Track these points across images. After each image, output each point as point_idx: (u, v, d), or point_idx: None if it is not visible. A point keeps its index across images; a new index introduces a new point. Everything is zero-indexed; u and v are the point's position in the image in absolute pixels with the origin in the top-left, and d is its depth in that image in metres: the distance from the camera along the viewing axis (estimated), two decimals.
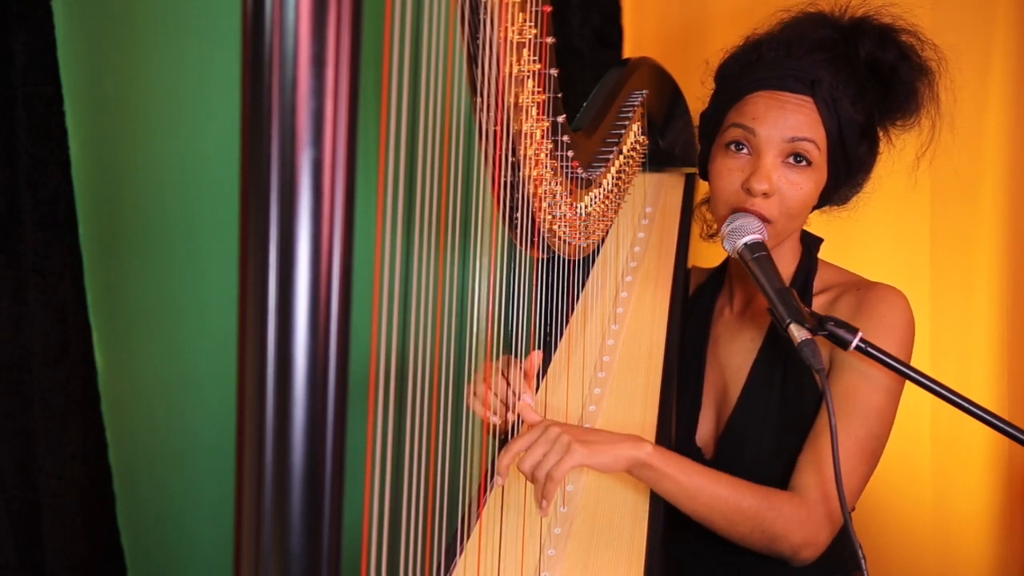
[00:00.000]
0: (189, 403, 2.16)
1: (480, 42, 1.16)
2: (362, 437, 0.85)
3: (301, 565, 0.63)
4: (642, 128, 1.72)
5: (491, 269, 1.22)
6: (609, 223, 1.66)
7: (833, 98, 1.41)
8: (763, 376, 1.48)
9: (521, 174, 1.33)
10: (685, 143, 1.85)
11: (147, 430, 2.16)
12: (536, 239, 1.41)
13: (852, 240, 2.07)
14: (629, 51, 2.24)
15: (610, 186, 1.60)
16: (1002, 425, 1.25)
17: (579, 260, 1.62)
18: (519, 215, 1.36)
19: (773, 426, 1.45)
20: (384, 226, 0.85)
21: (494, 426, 1.38)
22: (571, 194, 1.47)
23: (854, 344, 1.28)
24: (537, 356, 1.38)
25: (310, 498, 0.63)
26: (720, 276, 1.64)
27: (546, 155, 1.36)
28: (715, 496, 1.29)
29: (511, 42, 1.21)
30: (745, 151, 1.44)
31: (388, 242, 0.85)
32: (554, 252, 1.50)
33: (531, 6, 1.21)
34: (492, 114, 1.21)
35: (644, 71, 1.70)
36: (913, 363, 1.35)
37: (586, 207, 1.53)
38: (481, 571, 1.27)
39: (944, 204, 2.15)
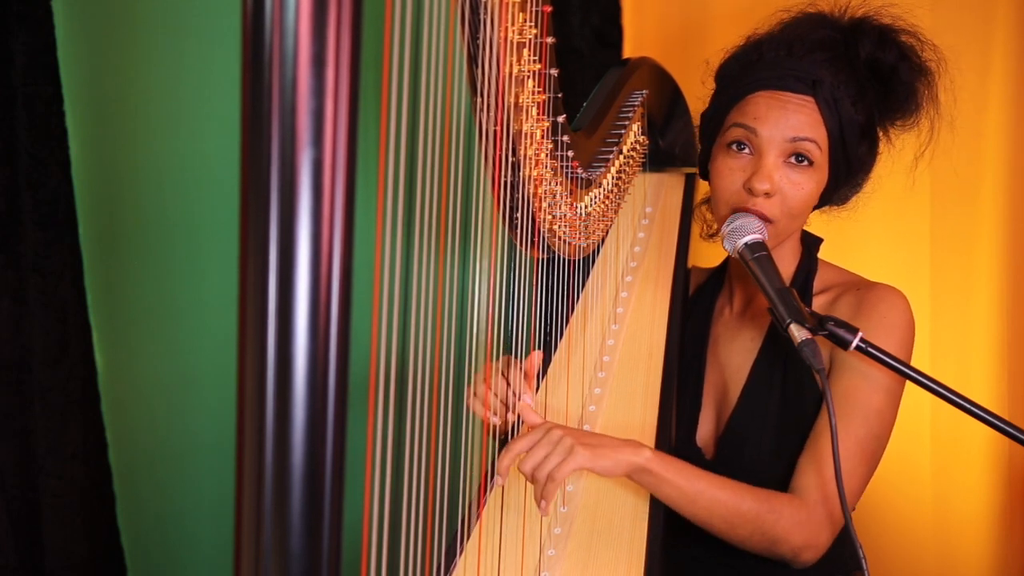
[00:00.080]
0: (189, 403, 2.16)
1: (480, 42, 1.16)
2: (362, 437, 0.85)
3: (301, 565, 0.63)
4: (642, 128, 1.72)
5: (491, 269, 1.22)
6: (609, 223, 1.66)
7: (834, 98, 1.41)
8: (763, 376, 1.48)
9: (521, 174, 1.32)
10: (685, 143, 1.85)
11: (147, 430, 2.16)
12: (536, 239, 1.41)
13: (852, 240, 2.07)
14: (629, 51, 2.24)
15: (610, 186, 1.60)
16: (1002, 425, 1.25)
17: (579, 260, 1.62)
18: (519, 215, 1.36)
19: (773, 426, 1.45)
20: (384, 226, 0.85)
21: (494, 427, 1.38)
22: (571, 194, 1.47)
23: (854, 344, 1.28)
24: (537, 356, 1.38)
25: (310, 498, 0.63)
26: (720, 276, 1.64)
27: (546, 155, 1.36)
28: (715, 500, 1.29)
29: (511, 42, 1.21)
30: (746, 151, 1.44)
31: (388, 242, 0.85)
32: (554, 252, 1.50)
33: (531, 6, 1.21)
34: (492, 114, 1.21)
35: (644, 71, 1.70)
36: (913, 363, 1.35)
37: (586, 207, 1.53)
38: (481, 571, 1.27)
39: (944, 204, 2.15)
